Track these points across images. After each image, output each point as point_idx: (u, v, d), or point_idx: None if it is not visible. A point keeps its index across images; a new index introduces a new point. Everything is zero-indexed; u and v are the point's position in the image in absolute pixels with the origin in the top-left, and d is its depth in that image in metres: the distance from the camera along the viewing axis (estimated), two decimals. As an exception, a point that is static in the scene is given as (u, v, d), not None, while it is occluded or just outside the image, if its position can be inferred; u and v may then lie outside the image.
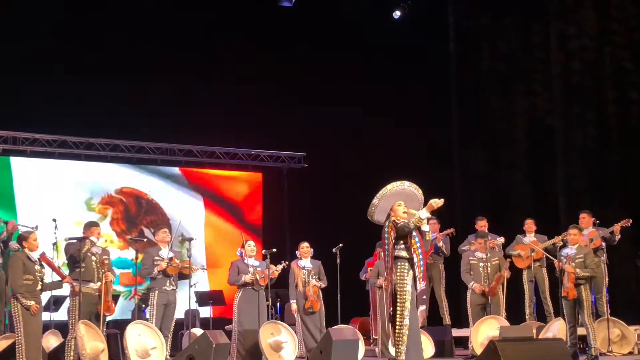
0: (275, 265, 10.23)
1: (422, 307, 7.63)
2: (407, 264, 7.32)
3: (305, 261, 10.41)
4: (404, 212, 7.41)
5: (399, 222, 7.35)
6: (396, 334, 7.26)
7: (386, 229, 7.45)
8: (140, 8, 13.46)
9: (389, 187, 7.38)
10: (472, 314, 10.45)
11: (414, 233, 7.37)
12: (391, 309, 7.43)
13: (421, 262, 7.35)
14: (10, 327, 9.25)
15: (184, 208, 14.37)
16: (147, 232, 13.57)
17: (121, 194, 13.91)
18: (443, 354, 10.24)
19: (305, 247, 10.43)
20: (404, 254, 7.39)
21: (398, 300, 7.28)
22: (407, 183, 7.45)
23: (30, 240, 8.37)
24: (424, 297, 7.65)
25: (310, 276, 10.31)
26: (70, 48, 13.04)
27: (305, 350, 10.14)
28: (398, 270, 7.34)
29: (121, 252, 13.40)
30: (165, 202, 14.28)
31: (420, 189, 7.53)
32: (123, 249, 13.52)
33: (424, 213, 7.26)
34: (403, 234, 7.36)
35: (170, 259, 9.41)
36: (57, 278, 8.75)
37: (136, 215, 13.92)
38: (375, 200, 7.40)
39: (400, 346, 7.23)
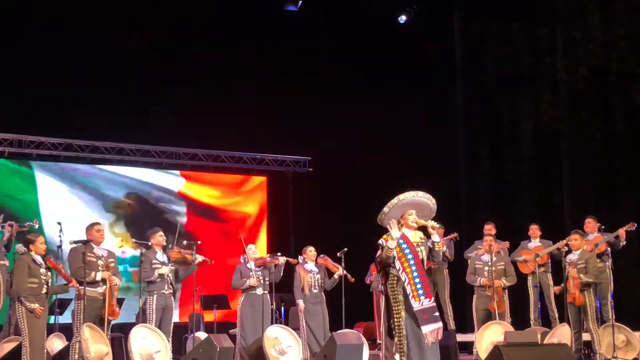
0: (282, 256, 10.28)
1: (435, 326, 7.34)
2: (396, 277, 7.25)
3: (311, 264, 10.44)
4: (414, 221, 7.36)
5: (380, 253, 7.31)
6: (398, 345, 7.21)
7: (381, 240, 7.39)
8: (144, 12, 13.47)
9: (401, 197, 7.26)
10: (477, 319, 10.45)
11: (408, 251, 7.26)
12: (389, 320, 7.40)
13: (416, 280, 7.15)
14: (16, 329, 9.26)
15: (186, 212, 14.39)
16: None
17: (129, 199, 13.92)
18: (448, 359, 10.21)
19: (313, 251, 10.49)
20: (392, 270, 7.32)
21: (394, 310, 7.24)
22: (420, 193, 7.32)
23: (37, 243, 8.36)
24: (435, 314, 7.36)
25: (318, 280, 10.33)
26: (75, 52, 13.05)
27: (310, 354, 10.14)
28: (388, 282, 7.29)
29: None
30: (170, 205, 14.26)
31: (433, 198, 7.45)
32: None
33: (392, 243, 7.18)
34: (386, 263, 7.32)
35: (169, 258, 9.47)
36: (62, 282, 8.75)
37: (141, 221, 13.88)
38: (385, 209, 7.29)
39: (402, 357, 7.19)
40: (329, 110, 14.77)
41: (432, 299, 7.25)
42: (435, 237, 7.36)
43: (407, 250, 7.25)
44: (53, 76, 12.79)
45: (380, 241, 7.31)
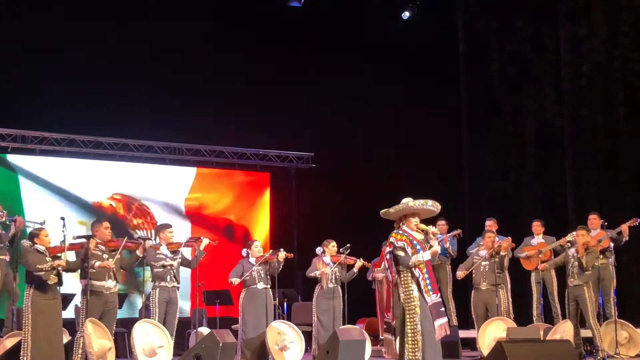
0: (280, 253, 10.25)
1: (443, 320, 7.50)
2: (409, 272, 7.35)
3: (329, 258, 10.44)
4: (416, 225, 7.48)
5: (398, 247, 7.39)
6: (411, 342, 7.25)
7: (391, 239, 7.48)
8: (146, 8, 13.47)
9: (411, 204, 7.44)
10: (475, 315, 10.49)
11: (419, 247, 7.42)
12: (393, 321, 7.47)
13: (426, 276, 7.36)
14: (18, 324, 9.28)
15: (190, 208, 14.40)
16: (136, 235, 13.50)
17: (112, 200, 13.84)
18: (450, 355, 10.22)
19: (335, 246, 10.51)
20: (403, 268, 7.42)
21: (407, 307, 7.30)
22: (429, 202, 7.49)
23: (41, 236, 8.36)
24: (442, 309, 7.54)
25: (335, 273, 10.34)
26: (79, 48, 13.07)
27: (318, 349, 10.14)
28: (402, 278, 7.37)
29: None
30: (170, 202, 14.24)
31: (439, 206, 7.57)
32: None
33: (427, 255, 7.34)
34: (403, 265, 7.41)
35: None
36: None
37: (123, 220, 13.80)
38: (392, 210, 7.47)
39: (416, 352, 7.24)
40: (332, 106, 14.76)
41: (439, 294, 7.48)
42: (435, 245, 7.47)
43: (418, 247, 7.43)
44: (59, 72, 12.83)
45: (391, 239, 7.41)
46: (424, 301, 7.32)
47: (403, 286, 7.35)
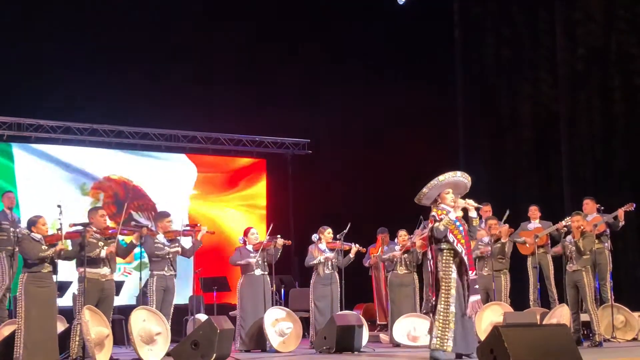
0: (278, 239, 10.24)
1: (478, 297, 7.58)
2: (452, 252, 7.38)
3: (325, 245, 10.44)
4: (452, 201, 7.52)
5: (439, 221, 7.44)
6: (441, 322, 7.27)
7: (433, 213, 7.54)
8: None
9: (441, 178, 7.54)
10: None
11: (458, 223, 7.47)
12: (433, 298, 7.48)
13: (465, 252, 7.42)
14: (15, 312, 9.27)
15: (187, 195, 14.38)
16: (136, 216, 13.52)
17: (109, 181, 13.79)
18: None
19: (330, 233, 10.51)
20: (445, 245, 7.46)
21: (443, 287, 7.34)
22: (459, 173, 7.59)
23: (39, 225, 8.34)
24: (476, 286, 7.62)
25: (332, 260, 10.32)
26: (74, 34, 13.02)
27: (315, 334, 10.16)
28: (444, 258, 7.40)
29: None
30: (167, 189, 14.21)
31: (469, 177, 7.64)
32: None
33: (453, 214, 7.37)
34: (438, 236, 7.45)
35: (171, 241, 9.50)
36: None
37: (124, 200, 13.73)
38: (425, 190, 7.56)
39: (447, 333, 7.26)
40: (328, 92, 14.74)
41: (475, 271, 7.60)
42: (473, 213, 7.53)
43: (457, 223, 7.54)
44: (54, 59, 12.79)
45: (433, 214, 7.45)
46: (461, 284, 7.38)
47: (444, 265, 7.39)
